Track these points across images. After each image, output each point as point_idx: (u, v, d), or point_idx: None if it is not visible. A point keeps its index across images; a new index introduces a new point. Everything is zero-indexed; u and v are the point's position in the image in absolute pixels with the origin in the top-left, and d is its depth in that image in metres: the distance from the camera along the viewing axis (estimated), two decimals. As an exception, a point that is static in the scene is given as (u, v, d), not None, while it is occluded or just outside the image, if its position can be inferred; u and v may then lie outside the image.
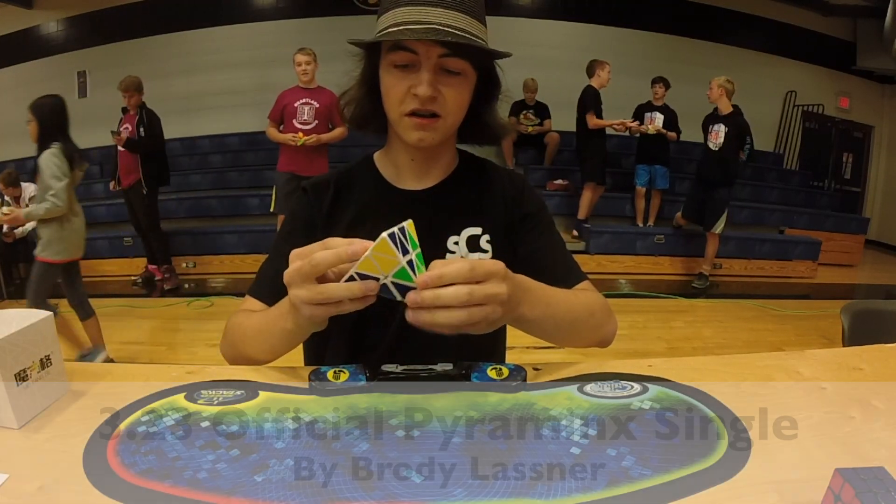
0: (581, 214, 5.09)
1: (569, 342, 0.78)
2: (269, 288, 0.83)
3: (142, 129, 4.01)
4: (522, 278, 0.66)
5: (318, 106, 3.71)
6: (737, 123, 4.32)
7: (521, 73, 5.49)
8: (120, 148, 4.05)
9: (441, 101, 0.74)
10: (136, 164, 4.06)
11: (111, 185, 4.37)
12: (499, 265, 0.58)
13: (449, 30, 0.69)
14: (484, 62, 0.78)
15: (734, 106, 4.37)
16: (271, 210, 4.02)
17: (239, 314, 0.81)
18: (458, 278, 0.54)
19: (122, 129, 4.06)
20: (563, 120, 5.32)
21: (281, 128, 3.78)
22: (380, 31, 0.73)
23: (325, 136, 3.72)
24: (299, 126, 3.69)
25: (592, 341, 0.81)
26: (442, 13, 0.69)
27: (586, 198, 5.05)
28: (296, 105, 3.71)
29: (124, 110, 4.14)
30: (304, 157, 3.72)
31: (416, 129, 0.75)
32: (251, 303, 0.83)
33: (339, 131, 3.78)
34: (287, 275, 0.59)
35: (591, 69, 4.77)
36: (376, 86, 0.78)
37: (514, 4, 6.46)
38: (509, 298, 0.59)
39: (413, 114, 0.74)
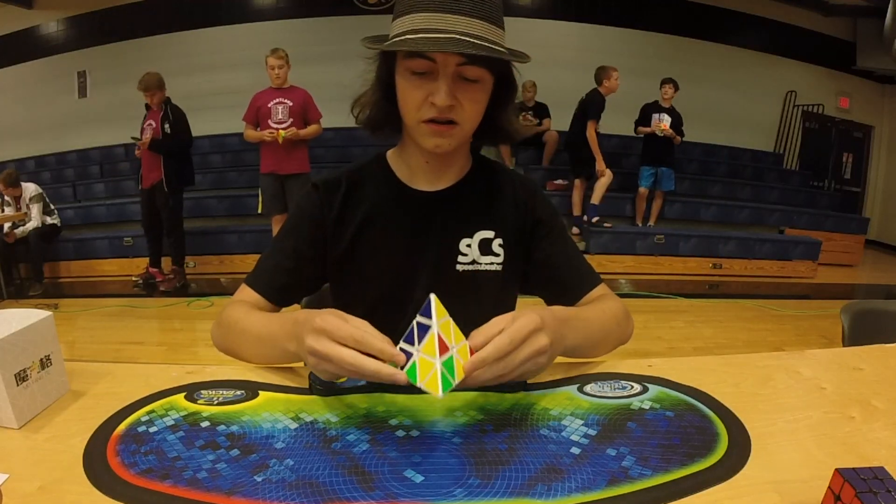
0: (577, 210, 5.12)
1: (599, 354, 0.79)
2: (267, 281, 0.84)
3: (167, 126, 3.93)
4: (559, 310, 0.67)
5: (291, 104, 3.75)
6: None
7: (521, 72, 5.48)
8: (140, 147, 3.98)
9: (458, 109, 0.73)
10: (158, 162, 3.98)
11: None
12: (534, 319, 0.59)
13: (467, 39, 0.68)
14: (501, 67, 0.77)
15: None
16: (259, 211, 4.06)
17: (237, 307, 0.80)
18: (501, 354, 0.56)
19: (145, 126, 3.99)
20: (564, 120, 5.32)
21: (258, 130, 3.82)
22: (396, 36, 0.71)
23: (303, 132, 3.76)
24: (274, 126, 3.72)
25: (617, 346, 0.82)
26: (460, 20, 0.68)
27: (579, 194, 5.10)
28: (269, 105, 3.76)
29: (147, 107, 4.06)
30: (284, 157, 3.76)
31: (433, 135, 0.75)
32: (247, 293, 0.84)
33: (314, 128, 3.82)
34: (324, 321, 0.58)
35: (599, 76, 4.74)
36: (392, 89, 0.78)
37: (514, 4, 6.46)
38: (552, 343, 0.60)
39: (430, 121, 0.74)
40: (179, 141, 4.00)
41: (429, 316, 0.54)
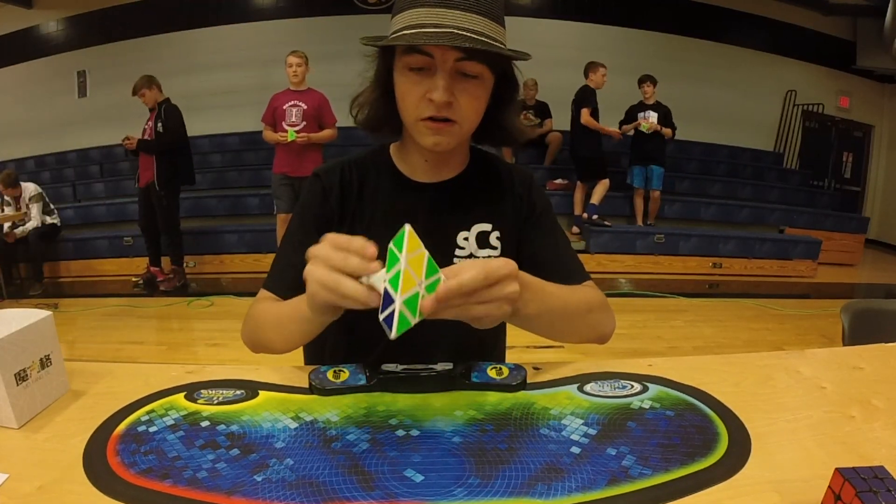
0: (578, 210, 5.13)
1: (565, 338, 0.77)
2: (282, 279, 0.82)
3: (159, 126, 3.94)
4: (524, 275, 0.64)
5: (305, 107, 3.77)
6: None
7: (521, 72, 5.49)
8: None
9: (456, 107, 0.72)
10: (151, 162, 4.01)
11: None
12: (510, 266, 0.57)
13: (466, 34, 0.67)
14: (502, 64, 0.77)
15: None
16: (275, 211, 4.07)
17: (258, 303, 0.81)
18: (476, 285, 0.53)
19: (146, 127, 4.02)
20: (564, 120, 5.32)
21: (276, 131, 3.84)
22: (394, 32, 0.71)
23: (315, 136, 3.77)
24: (287, 128, 3.75)
25: (589, 338, 0.80)
26: (459, 16, 0.67)
27: (581, 194, 5.12)
28: (284, 107, 3.78)
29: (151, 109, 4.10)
30: (296, 158, 3.78)
31: (432, 133, 0.74)
32: (265, 296, 0.83)
33: (328, 132, 3.84)
34: (314, 249, 0.56)
35: (586, 70, 4.82)
36: (391, 88, 0.77)
37: (513, 4, 6.46)
38: (519, 296, 0.58)
39: (429, 118, 0.73)
40: (169, 140, 3.98)
41: (400, 248, 0.48)
